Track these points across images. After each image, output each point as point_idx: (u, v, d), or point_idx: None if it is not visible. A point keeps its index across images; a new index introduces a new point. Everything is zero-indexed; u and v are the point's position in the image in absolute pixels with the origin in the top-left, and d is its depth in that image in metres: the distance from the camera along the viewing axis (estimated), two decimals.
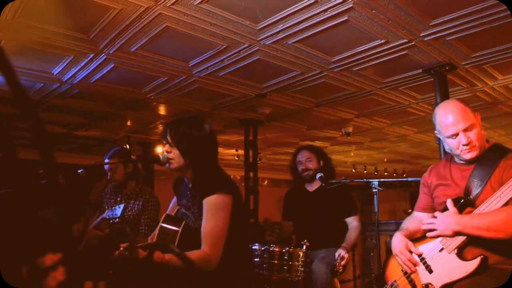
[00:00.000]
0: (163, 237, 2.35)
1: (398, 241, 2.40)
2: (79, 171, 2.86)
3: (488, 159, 2.27)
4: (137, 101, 5.93)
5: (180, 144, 2.37)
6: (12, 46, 4.04)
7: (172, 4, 3.36)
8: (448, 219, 2.17)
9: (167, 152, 2.40)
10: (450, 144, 2.31)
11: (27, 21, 3.57)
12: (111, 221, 3.32)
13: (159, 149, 8.76)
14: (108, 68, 4.68)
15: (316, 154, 4.12)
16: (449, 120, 2.26)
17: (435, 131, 2.45)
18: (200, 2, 3.36)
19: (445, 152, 4.63)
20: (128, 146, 8.13)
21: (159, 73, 4.90)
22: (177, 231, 2.32)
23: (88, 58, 4.40)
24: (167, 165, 2.43)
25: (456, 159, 2.42)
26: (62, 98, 5.68)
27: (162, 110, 6.52)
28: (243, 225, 2.42)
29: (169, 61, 4.55)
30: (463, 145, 2.24)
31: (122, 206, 3.33)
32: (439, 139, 4.60)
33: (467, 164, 2.34)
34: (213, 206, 2.21)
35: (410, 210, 13.21)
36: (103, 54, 4.30)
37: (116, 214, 3.30)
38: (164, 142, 2.43)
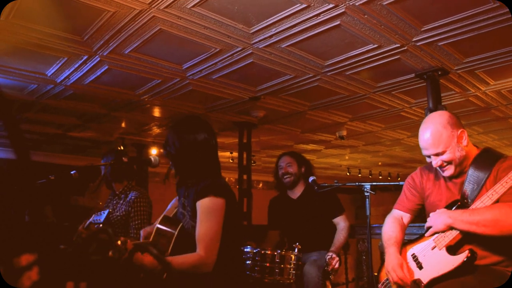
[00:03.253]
0: (158, 238, 2.34)
1: (393, 258, 2.36)
2: (72, 172, 2.85)
3: (481, 164, 2.30)
4: (131, 103, 5.94)
5: (168, 148, 2.41)
6: (6, 47, 4.04)
7: (166, 7, 3.37)
8: (440, 215, 2.24)
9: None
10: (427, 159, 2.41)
11: (21, 22, 3.57)
12: (96, 226, 3.31)
13: (154, 151, 8.76)
14: (102, 70, 4.68)
15: (297, 160, 4.09)
16: (421, 143, 2.35)
17: None
18: (194, 6, 3.37)
19: None
20: (122, 148, 8.13)
21: (153, 76, 4.91)
22: (173, 233, 2.31)
23: (82, 60, 4.41)
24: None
25: None
26: (56, 99, 5.68)
27: (156, 112, 6.53)
28: (237, 229, 2.41)
29: (162, 64, 4.56)
30: (436, 166, 2.34)
31: (106, 212, 3.33)
32: None
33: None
34: (206, 209, 2.21)
35: None
36: (97, 56, 4.30)
37: (100, 220, 3.29)
38: None
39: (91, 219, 3.38)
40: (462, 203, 2.26)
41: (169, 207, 2.76)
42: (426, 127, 2.33)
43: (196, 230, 2.19)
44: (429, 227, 2.32)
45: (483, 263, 2.17)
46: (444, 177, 2.43)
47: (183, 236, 2.31)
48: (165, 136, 2.44)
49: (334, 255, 3.61)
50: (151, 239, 2.37)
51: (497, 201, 2.12)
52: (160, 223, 2.40)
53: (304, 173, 4.06)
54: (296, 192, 4.09)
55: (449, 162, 2.29)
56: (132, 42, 3.99)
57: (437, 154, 2.29)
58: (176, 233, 2.30)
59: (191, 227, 2.28)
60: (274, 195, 4.34)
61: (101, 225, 3.28)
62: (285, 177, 4.05)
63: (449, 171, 2.32)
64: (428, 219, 2.34)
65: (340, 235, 3.86)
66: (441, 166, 2.32)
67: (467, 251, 2.14)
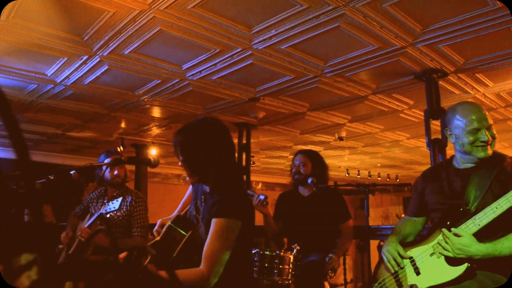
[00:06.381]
0: (167, 237, 2.30)
1: (389, 242, 2.49)
2: (71, 172, 2.84)
3: (487, 165, 2.30)
4: (130, 103, 5.94)
5: (182, 154, 2.29)
6: (6, 46, 4.05)
7: (166, 7, 3.38)
8: (467, 245, 2.13)
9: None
10: (467, 139, 2.31)
11: (21, 22, 3.58)
12: (108, 215, 3.34)
13: (153, 151, 8.76)
14: (102, 70, 4.69)
15: (311, 160, 4.11)
16: (477, 114, 2.31)
17: (446, 129, 2.45)
18: (194, 6, 3.38)
19: (435, 157, 4.67)
20: (121, 148, 8.12)
21: (152, 76, 4.91)
22: (183, 236, 2.27)
23: (82, 60, 4.41)
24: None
25: (455, 164, 2.45)
26: (56, 99, 5.68)
27: (155, 113, 6.53)
28: (248, 248, 2.36)
29: (162, 64, 4.56)
30: (482, 141, 2.28)
31: (120, 199, 3.30)
32: (431, 144, 4.66)
33: (466, 170, 2.37)
34: (221, 228, 2.11)
35: (403, 215, 13.25)
36: (97, 56, 4.31)
37: (114, 207, 3.27)
38: None
39: (101, 210, 3.35)
40: (464, 209, 2.23)
41: (187, 193, 2.78)
42: (475, 104, 2.39)
43: (205, 245, 2.12)
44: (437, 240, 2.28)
45: (481, 270, 2.16)
46: (449, 176, 2.43)
47: (193, 242, 2.26)
48: (173, 140, 2.32)
49: (334, 256, 3.61)
50: (159, 237, 2.32)
51: (501, 214, 2.10)
52: (172, 222, 2.33)
53: (316, 172, 4.05)
54: (307, 190, 4.11)
55: (493, 139, 2.33)
56: (132, 42, 3.99)
57: (488, 128, 2.31)
58: (186, 237, 2.25)
59: (203, 237, 2.21)
60: (280, 192, 4.40)
61: (116, 211, 3.27)
62: (295, 176, 4.08)
63: (488, 152, 2.31)
64: (449, 241, 2.20)
65: (345, 240, 3.88)
66: (487, 142, 2.30)
67: (466, 264, 2.13)
